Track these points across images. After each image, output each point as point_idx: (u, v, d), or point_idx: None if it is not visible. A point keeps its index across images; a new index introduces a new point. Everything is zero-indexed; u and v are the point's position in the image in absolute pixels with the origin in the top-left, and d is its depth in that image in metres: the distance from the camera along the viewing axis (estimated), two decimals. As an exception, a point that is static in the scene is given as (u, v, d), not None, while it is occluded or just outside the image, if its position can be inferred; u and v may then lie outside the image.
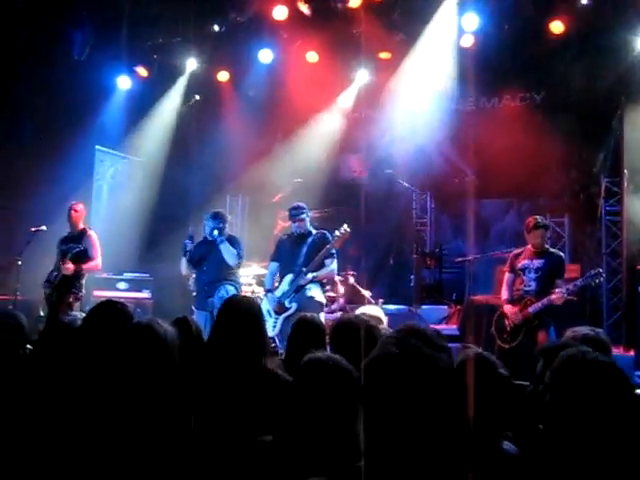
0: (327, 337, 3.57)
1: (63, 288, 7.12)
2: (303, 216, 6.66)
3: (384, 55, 9.66)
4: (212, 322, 6.12)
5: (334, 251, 6.60)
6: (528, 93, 9.95)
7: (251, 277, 8.58)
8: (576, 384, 1.97)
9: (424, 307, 9.57)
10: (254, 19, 9.15)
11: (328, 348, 3.30)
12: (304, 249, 6.59)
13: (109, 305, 3.07)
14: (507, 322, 6.31)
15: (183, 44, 9.73)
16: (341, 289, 8.54)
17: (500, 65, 9.25)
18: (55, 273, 7.21)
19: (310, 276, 6.46)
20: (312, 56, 9.70)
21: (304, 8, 8.81)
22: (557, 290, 6.04)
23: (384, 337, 1.99)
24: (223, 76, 10.32)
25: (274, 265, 6.84)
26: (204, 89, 10.62)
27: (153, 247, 9.82)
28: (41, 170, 8.70)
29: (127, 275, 9.13)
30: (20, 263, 7.44)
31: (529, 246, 6.40)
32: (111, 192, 10.53)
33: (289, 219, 6.85)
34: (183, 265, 6.96)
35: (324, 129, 10.48)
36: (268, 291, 6.75)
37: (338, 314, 8.00)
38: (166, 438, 2.31)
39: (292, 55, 9.71)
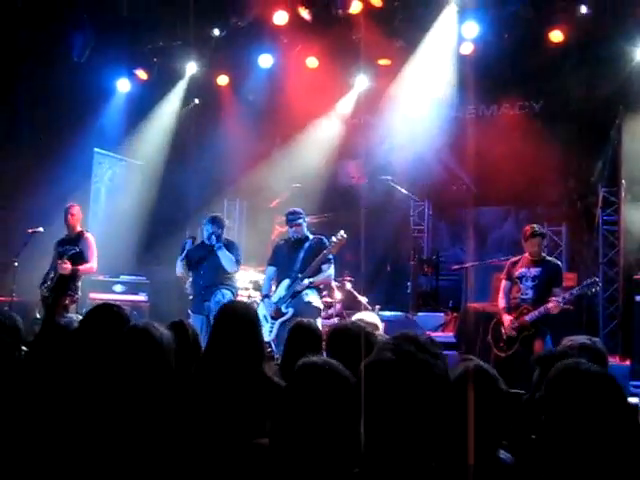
0: (323, 343, 3.57)
1: (59, 290, 7.12)
2: (300, 221, 6.66)
3: (384, 62, 9.67)
4: (208, 326, 6.18)
5: (331, 257, 6.60)
6: (527, 102, 9.97)
7: (248, 282, 8.57)
8: (570, 395, 1.98)
9: (421, 314, 9.56)
10: (254, 24, 9.17)
11: (324, 354, 3.29)
12: (301, 254, 6.59)
13: (106, 308, 3.07)
14: (503, 330, 6.32)
15: (183, 48, 9.73)
16: (338, 295, 8.53)
17: (499, 73, 9.26)
18: (52, 275, 7.20)
19: (306, 282, 6.46)
20: (312, 61, 9.71)
21: (304, 13, 8.83)
22: (553, 299, 6.05)
23: (380, 343, 1.99)
24: (223, 80, 10.32)
25: (271, 270, 6.84)
26: (204, 93, 10.63)
27: (150, 250, 9.81)
28: (39, 171, 8.70)
29: (124, 278, 9.11)
30: (17, 264, 7.43)
31: (526, 254, 6.41)
32: (109, 195, 10.52)
33: (286, 224, 6.86)
34: (179, 266, 6.94)
35: (323, 134, 10.49)
36: (265, 296, 6.74)
37: (335, 320, 7.99)
38: (162, 441, 2.31)
39: (292, 60, 9.72)
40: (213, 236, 6.71)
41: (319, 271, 6.53)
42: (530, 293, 6.24)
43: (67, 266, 7.09)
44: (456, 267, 9.78)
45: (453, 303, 9.92)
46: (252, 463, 2.13)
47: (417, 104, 9.85)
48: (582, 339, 3.34)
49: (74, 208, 7.49)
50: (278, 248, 6.88)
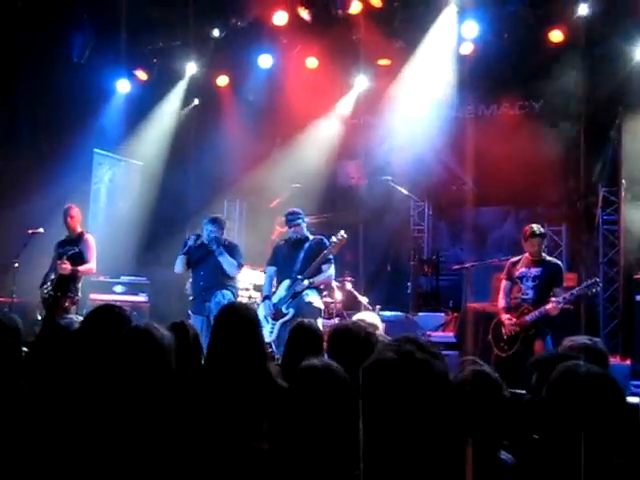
0: (324, 343, 3.57)
1: (59, 291, 7.12)
2: (299, 221, 6.66)
3: (383, 62, 9.68)
4: (209, 327, 6.18)
5: (331, 257, 6.60)
6: (527, 101, 9.97)
7: (248, 282, 8.57)
8: (571, 397, 1.99)
9: (421, 314, 9.57)
10: (254, 24, 9.17)
11: (325, 354, 3.29)
12: (301, 255, 6.59)
13: (107, 309, 3.06)
14: (504, 330, 6.31)
15: (183, 48, 9.74)
16: (338, 295, 8.53)
17: (499, 73, 9.27)
18: (52, 276, 7.21)
19: (306, 282, 6.45)
20: (312, 62, 9.72)
21: (304, 14, 8.83)
22: (552, 300, 6.05)
23: (381, 344, 2.00)
24: (222, 81, 10.32)
25: (271, 270, 6.84)
26: (203, 93, 10.63)
27: (150, 251, 9.81)
28: (39, 172, 8.69)
29: (124, 278, 9.10)
30: (17, 265, 7.43)
31: (527, 254, 6.41)
32: (109, 195, 10.52)
33: (285, 224, 6.86)
34: (179, 263, 6.91)
35: (323, 135, 10.49)
36: (266, 297, 6.73)
37: (335, 320, 7.99)
38: (163, 442, 2.31)
39: (292, 60, 9.73)
40: (213, 243, 6.69)
41: (319, 271, 6.53)
42: (531, 293, 6.24)
43: (67, 266, 7.10)
44: (456, 267, 9.77)
45: (453, 303, 9.92)
46: (252, 466, 2.14)
47: (417, 104, 9.85)
48: (583, 339, 3.34)
49: (73, 210, 7.50)
50: (278, 248, 6.88)
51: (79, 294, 7.28)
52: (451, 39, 8.87)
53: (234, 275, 6.88)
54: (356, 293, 8.59)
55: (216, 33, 9.40)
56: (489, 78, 9.29)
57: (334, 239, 6.49)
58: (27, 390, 2.78)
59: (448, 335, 8.66)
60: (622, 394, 2.05)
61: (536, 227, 6.39)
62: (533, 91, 9.78)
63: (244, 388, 2.83)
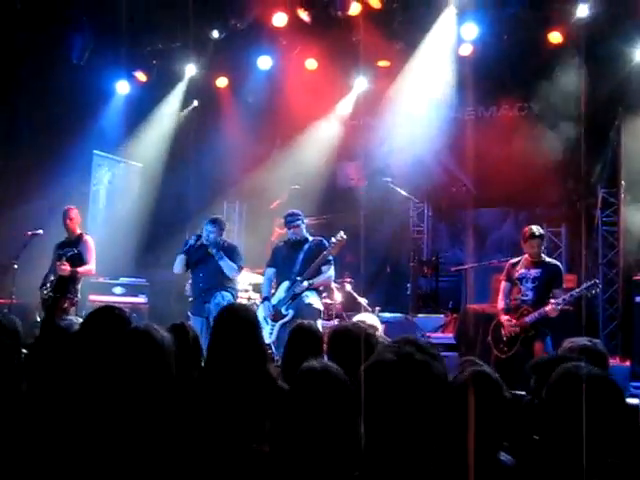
0: (324, 344, 3.57)
1: (59, 292, 7.12)
2: (298, 222, 6.66)
3: (383, 63, 9.68)
4: (208, 328, 6.18)
5: (331, 258, 6.59)
6: (526, 103, 9.97)
7: (247, 283, 8.56)
8: (571, 398, 2.00)
9: (420, 315, 9.56)
10: (254, 26, 9.17)
11: (325, 356, 3.29)
12: (300, 256, 6.59)
13: (107, 310, 3.06)
14: (504, 332, 6.31)
15: (182, 50, 9.74)
16: (338, 296, 8.53)
17: (499, 74, 9.28)
18: (51, 277, 7.21)
19: (306, 284, 6.45)
20: (311, 63, 9.72)
21: (304, 15, 8.84)
22: (552, 301, 6.04)
23: (381, 346, 2.00)
24: (222, 82, 10.33)
25: (271, 271, 6.83)
26: (203, 95, 10.63)
27: (150, 252, 9.81)
28: (39, 173, 8.70)
29: (123, 280, 9.10)
30: (16, 267, 7.43)
31: (526, 255, 6.41)
32: (109, 197, 10.52)
33: (285, 226, 6.86)
34: (178, 262, 6.90)
35: (322, 136, 10.49)
36: (265, 298, 6.73)
37: (335, 321, 7.99)
38: (162, 444, 2.30)
39: (291, 62, 9.73)
40: (213, 247, 6.68)
41: (319, 273, 6.53)
42: (530, 294, 6.24)
43: (66, 267, 7.11)
44: (456, 268, 9.79)
45: (453, 304, 9.92)
46: (252, 468, 2.14)
47: (416, 106, 9.84)
48: (583, 341, 3.34)
49: (72, 212, 7.50)
50: (277, 250, 6.88)
51: (78, 295, 7.29)
52: (451, 40, 8.88)
53: (233, 277, 6.89)
54: (356, 294, 8.59)
55: (216, 34, 9.40)
56: (488, 79, 9.30)
57: (334, 240, 6.48)
58: (27, 392, 2.78)
59: (448, 336, 8.66)
60: (622, 396, 2.06)
61: (535, 228, 6.39)
62: (533, 92, 9.76)
63: (244, 390, 2.83)
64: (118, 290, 8.99)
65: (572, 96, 8.95)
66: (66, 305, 7.10)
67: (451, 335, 8.66)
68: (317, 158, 10.31)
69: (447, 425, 1.87)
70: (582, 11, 8.12)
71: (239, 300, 7.65)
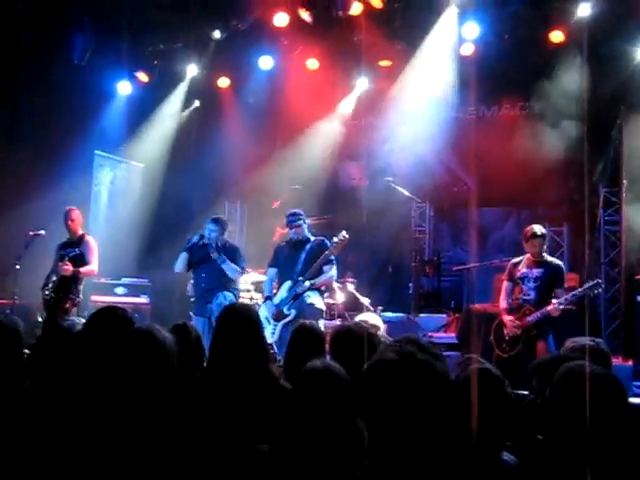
0: (326, 344, 3.56)
1: (61, 293, 7.13)
2: (300, 222, 6.65)
3: (384, 63, 9.68)
4: (210, 328, 6.18)
5: (333, 257, 6.59)
6: (528, 102, 9.96)
7: (249, 283, 8.57)
8: (575, 397, 2.00)
9: (422, 315, 9.56)
10: (255, 26, 9.17)
11: (327, 356, 3.29)
12: (302, 256, 6.59)
13: (110, 311, 3.06)
14: (506, 331, 6.31)
15: (184, 50, 9.75)
16: (340, 296, 8.53)
17: (500, 74, 9.26)
18: (53, 278, 7.22)
19: (308, 284, 6.45)
20: (312, 63, 9.72)
21: (305, 15, 8.83)
22: (554, 301, 6.03)
23: (383, 345, 2.00)
24: (223, 82, 10.33)
25: (272, 271, 6.83)
26: (204, 95, 10.64)
27: (152, 252, 9.81)
28: (40, 174, 8.70)
29: (125, 280, 9.10)
30: (18, 267, 7.43)
31: (528, 255, 6.40)
32: (110, 197, 10.52)
33: (286, 226, 6.86)
34: (180, 261, 6.90)
35: (324, 136, 10.49)
36: (267, 298, 6.73)
37: (337, 321, 7.99)
38: (164, 444, 2.30)
39: (292, 62, 9.73)
40: (214, 250, 6.68)
41: (320, 272, 6.52)
42: (532, 294, 6.23)
43: (68, 267, 7.11)
44: (458, 268, 9.79)
45: (455, 304, 9.92)
46: (255, 468, 2.14)
47: (418, 105, 9.84)
48: (585, 340, 3.34)
49: (74, 212, 7.50)
50: (279, 249, 6.88)
51: (80, 296, 7.29)
52: (452, 40, 8.87)
53: (236, 279, 6.90)
54: (358, 294, 8.59)
55: (217, 35, 9.40)
56: (490, 79, 9.28)
57: (335, 240, 6.48)
58: (29, 393, 2.78)
59: (450, 336, 8.66)
60: (625, 394, 2.06)
61: (537, 228, 6.38)
62: (534, 92, 9.75)
63: (247, 390, 2.83)
64: (120, 290, 8.99)
65: (573, 95, 8.93)
66: (68, 305, 7.10)
67: (453, 335, 8.66)
68: (319, 158, 10.31)
69: (449, 424, 1.87)
70: (583, 10, 8.11)
71: (241, 300, 7.66)
